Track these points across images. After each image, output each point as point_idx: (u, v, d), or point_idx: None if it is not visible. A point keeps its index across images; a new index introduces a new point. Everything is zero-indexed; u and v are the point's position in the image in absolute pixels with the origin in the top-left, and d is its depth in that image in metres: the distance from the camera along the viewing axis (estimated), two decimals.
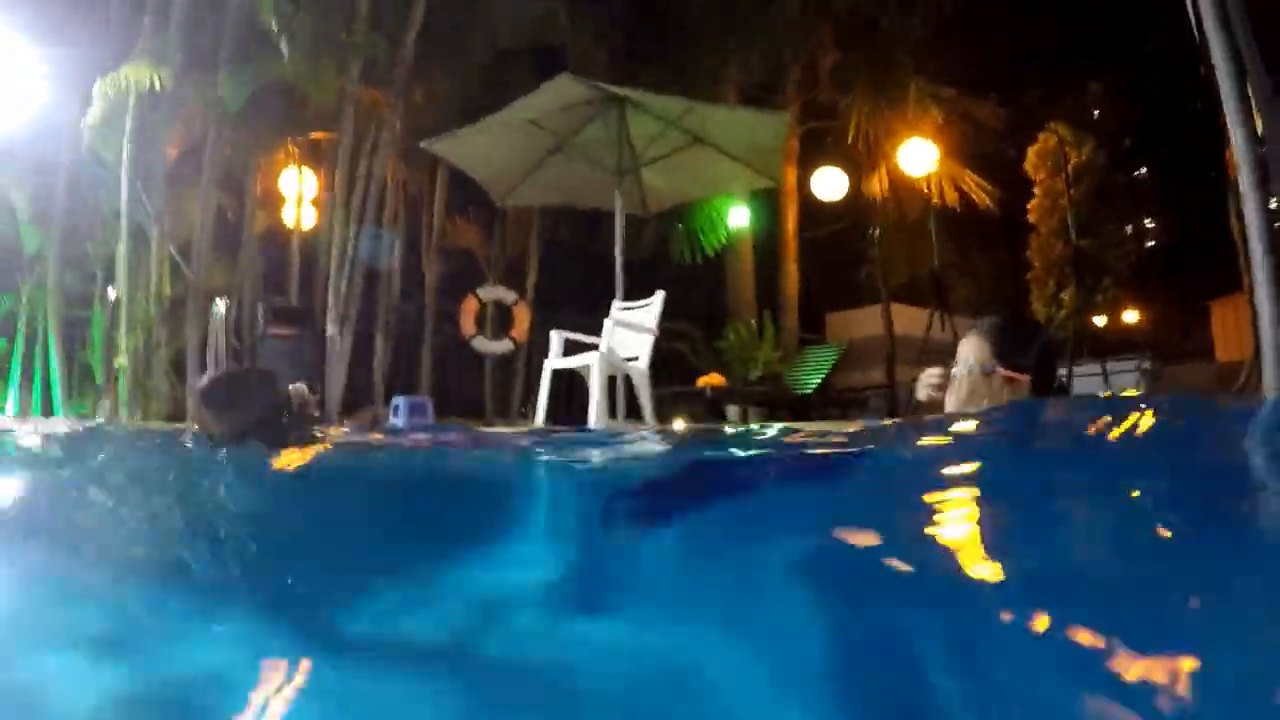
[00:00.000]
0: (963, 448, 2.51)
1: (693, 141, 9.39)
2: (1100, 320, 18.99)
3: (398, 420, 10.32)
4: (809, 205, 14.48)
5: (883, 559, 1.46)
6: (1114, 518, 1.53)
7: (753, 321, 12.83)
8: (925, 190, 13.24)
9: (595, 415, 7.39)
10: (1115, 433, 2.26)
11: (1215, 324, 17.31)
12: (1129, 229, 21.30)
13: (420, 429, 8.18)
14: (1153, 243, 26.56)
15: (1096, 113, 20.36)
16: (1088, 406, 3.24)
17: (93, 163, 11.29)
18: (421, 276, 13.61)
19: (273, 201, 12.81)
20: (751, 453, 3.40)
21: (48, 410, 11.49)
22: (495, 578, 1.66)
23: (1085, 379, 10.02)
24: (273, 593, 1.63)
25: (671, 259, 14.02)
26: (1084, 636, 1.08)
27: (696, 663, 1.28)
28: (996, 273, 18.33)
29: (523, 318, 13.35)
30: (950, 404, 2.99)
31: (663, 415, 9.34)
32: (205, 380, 3.66)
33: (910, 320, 12.06)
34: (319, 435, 3.50)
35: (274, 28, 10.74)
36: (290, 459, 3.26)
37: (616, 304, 8.23)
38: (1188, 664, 1.01)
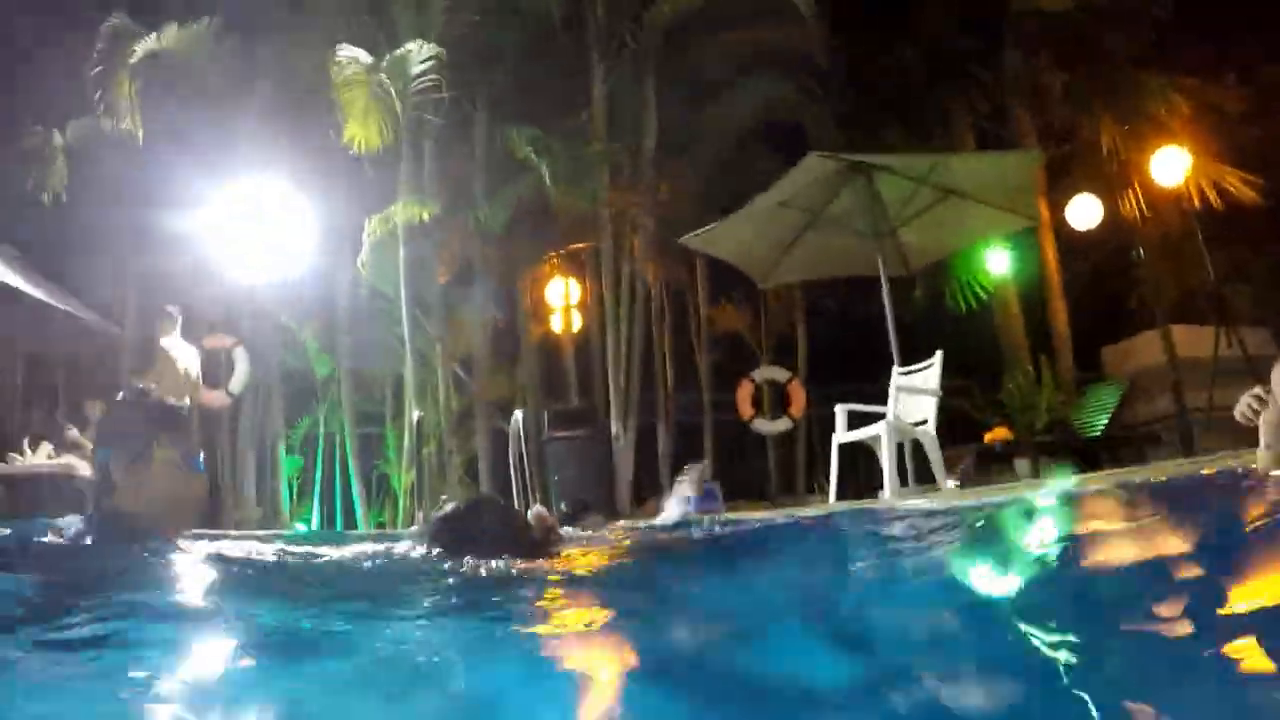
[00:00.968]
0: None
1: (944, 195, 9.31)
2: None
3: (691, 508, 10.57)
4: (1065, 238, 13.97)
5: None
6: None
7: (1029, 367, 12.45)
8: (1185, 198, 12.54)
9: (890, 485, 7.39)
10: None
11: None
12: None
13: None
14: None
15: None
16: None
17: (370, 294, 12.30)
18: (695, 365, 13.99)
19: (541, 311, 13.51)
20: None
21: (349, 522, 12.42)
22: None
23: None
24: None
25: (939, 315, 13.81)
26: None
27: None
28: (1277, 271, 17.03)
29: (798, 394, 13.50)
30: (1264, 434, 2.80)
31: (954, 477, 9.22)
32: (435, 520, 3.45)
33: (1192, 341, 11.45)
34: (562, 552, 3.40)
35: (530, 156, 11.41)
36: None
37: (896, 370, 8.20)
38: None
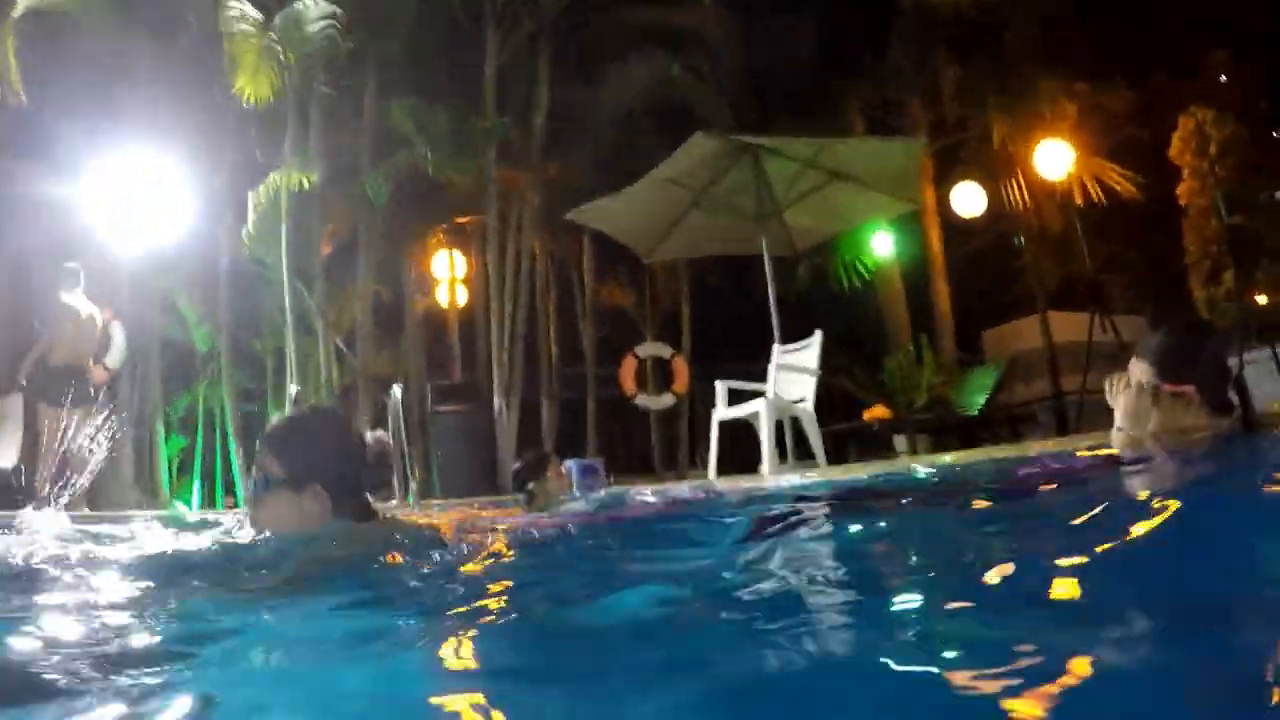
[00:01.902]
0: None
1: (830, 178, 9.40)
2: (1263, 299, 18.08)
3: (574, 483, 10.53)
4: (951, 223, 14.28)
5: None
6: None
7: (910, 348, 12.70)
8: (1066, 191, 12.90)
9: (768, 461, 7.43)
10: None
11: None
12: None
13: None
14: None
15: (1223, 77, 19.49)
16: None
17: (253, 265, 11.95)
18: (579, 341, 13.91)
19: (427, 285, 13.30)
20: None
21: (231, 502, 12.09)
22: None
23: (1255, 366, 9.53)
24: None
25: (823, 294, 13.98)
26: None
27: None
28: (1151, 264, 17.66)
29: (682, 371, 13.53)
30: (1118, 416, 2.95)
31: (832, 454, 9.32)
32: (272, 422, 3.40)
33: (1070, 327, 11.74)
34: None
35: (411, 128, 11.19)
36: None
37: (776, 348, 8.25)
38: None
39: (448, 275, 13.09)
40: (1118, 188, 13.93)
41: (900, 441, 10.13)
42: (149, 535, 3.72)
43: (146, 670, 1.42)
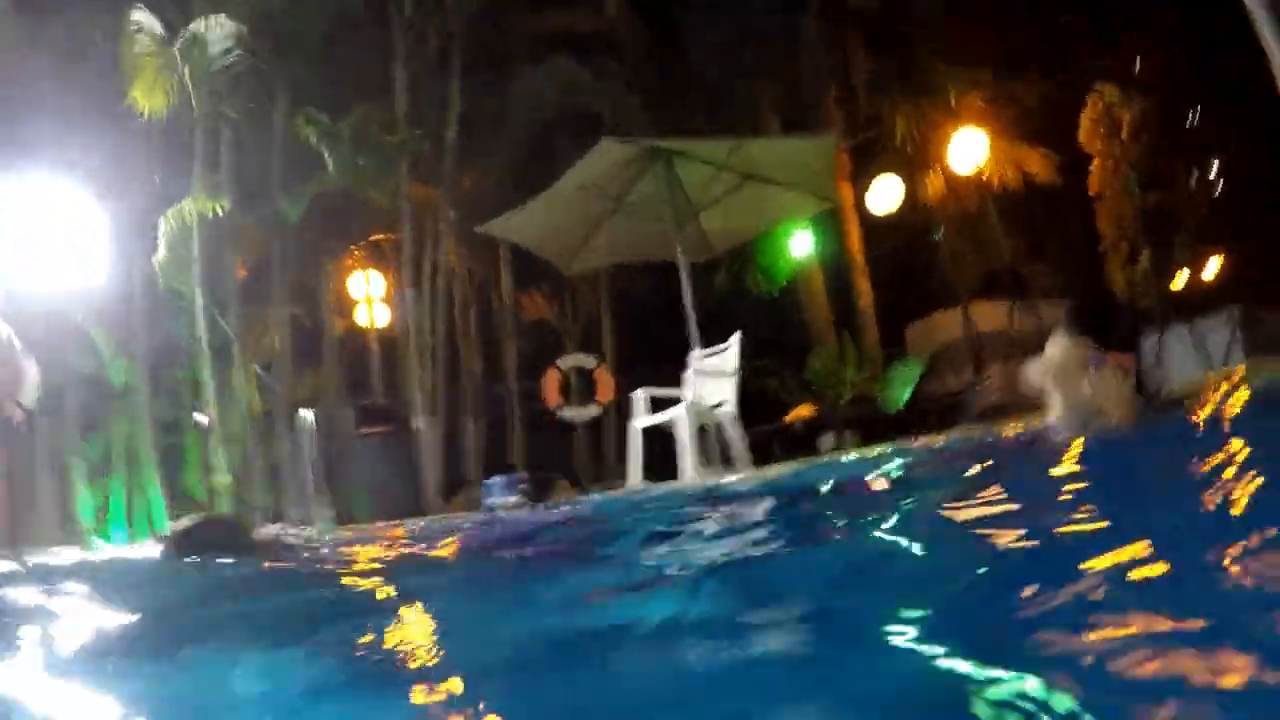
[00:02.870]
0: None
1: (744, 179, 9.38)
2: (1182, 279, 18.40)
3: (492, 500, 10.40)
4: (871, 219, 14.35)
5: None
6: None
7: (834, 345, 12.73)
8: (982, 180, 13.02)
9: (687, 468, 7.38)
10: None
11: None
12: (1195, 176, 20.64)
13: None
14: (1225, 184, 25.67)
15: (1138, 61, 19.82)
16: None
17: (169, 294, 11.65)
18: (502, 357, 13.74)
19: (344, 306, 13.08)
20: None
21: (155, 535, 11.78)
22: None
23: (1173, 345, 9.67)
24: None
25: (745, 296, 13.99)
26: None
27: None
28: (1070, 250, 17.90)
29: (606, 381, 13.44)
30: (1052, 394, 2.89)
31: (759, 456, 9.28)
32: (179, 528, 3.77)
33: (991, 317, 11.86)
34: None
35: (314, 142, 11.00)
36: None
37: (695, 353, 8.20)
38: None
39: (365, 295, 12.86)
40: (1037, 171, 14.10)
41: (826, 440, 10.14)
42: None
43: None
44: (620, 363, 13.94)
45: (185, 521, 3.75)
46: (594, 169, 8.80)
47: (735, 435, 7.69)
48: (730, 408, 7.71)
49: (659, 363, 9.54)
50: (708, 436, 7.98)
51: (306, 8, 11.68)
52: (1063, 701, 1.00)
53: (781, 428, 9.83)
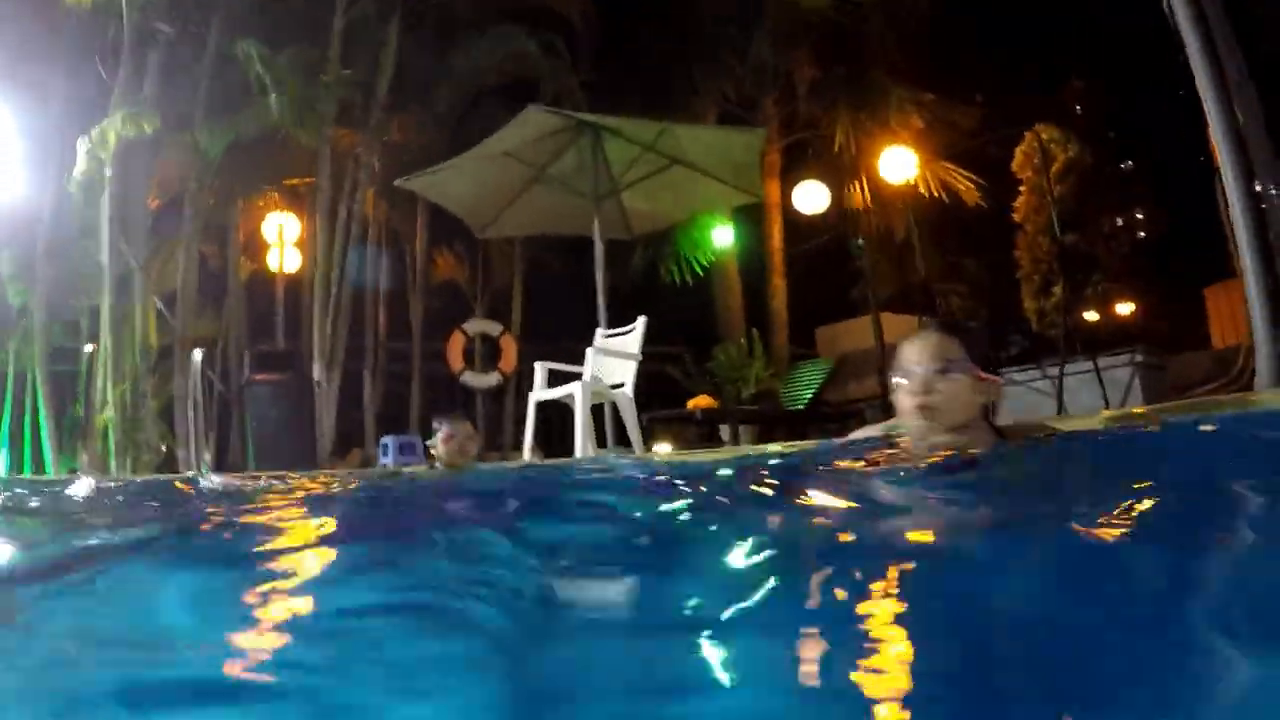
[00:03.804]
0: None
1: (670, 163, 9.39)
2: (1092, 316, 18.83)
3: (387, 460, 10.29)
4: (795, 220, 14.46)
5: None
6: None
7: (743, 340, 12.80)
8: (908, 197, 13.19)
9: (581, 445, 7.35)
10: None
11: (1210, 310, 17.15)
12: (1119, 222, 21.15)
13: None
14: (1144, 234, 26.37)
15: (1079, 108, 20.31)
16: None
17: (77, 218, 11.27)
18: (408, 314, 13.57)
19: (256, 248, 12.81)
20: None
21: (39, 466, 11.43)
22: None
23: (1077, 376, 9.89)
24: None
25: (660, 281, 14.00)
26: None
27: None
28: (987, 275, 18.24)
29: (510, 350, 13.33)
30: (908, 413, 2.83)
31: (655, 441, 9.31)
32: None
33: (901, 330, 11.97)
34: None
35: (259, 74, 10.73)
36: None
37: (600, 331, 8.19)
38: None
39: (278, 238, 12.59)
40: (960, 191, 14.32)
41: (724, 432, 10.17)
42: None
43: None
44: (528, 333, 13.86)
45: None
46: (519, 136, 8.74)
47: (630, 418, 7.68)
48: (628, 390, 7.70)
49: (567, 338, 9.51)
50: (604, 416, 7.97)
51: None
52: None
53: (680, 415, 9.84)
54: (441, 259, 14.07)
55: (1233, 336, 13.71)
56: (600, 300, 8.56)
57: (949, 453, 2.72)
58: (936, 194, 14.01)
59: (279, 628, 1.58)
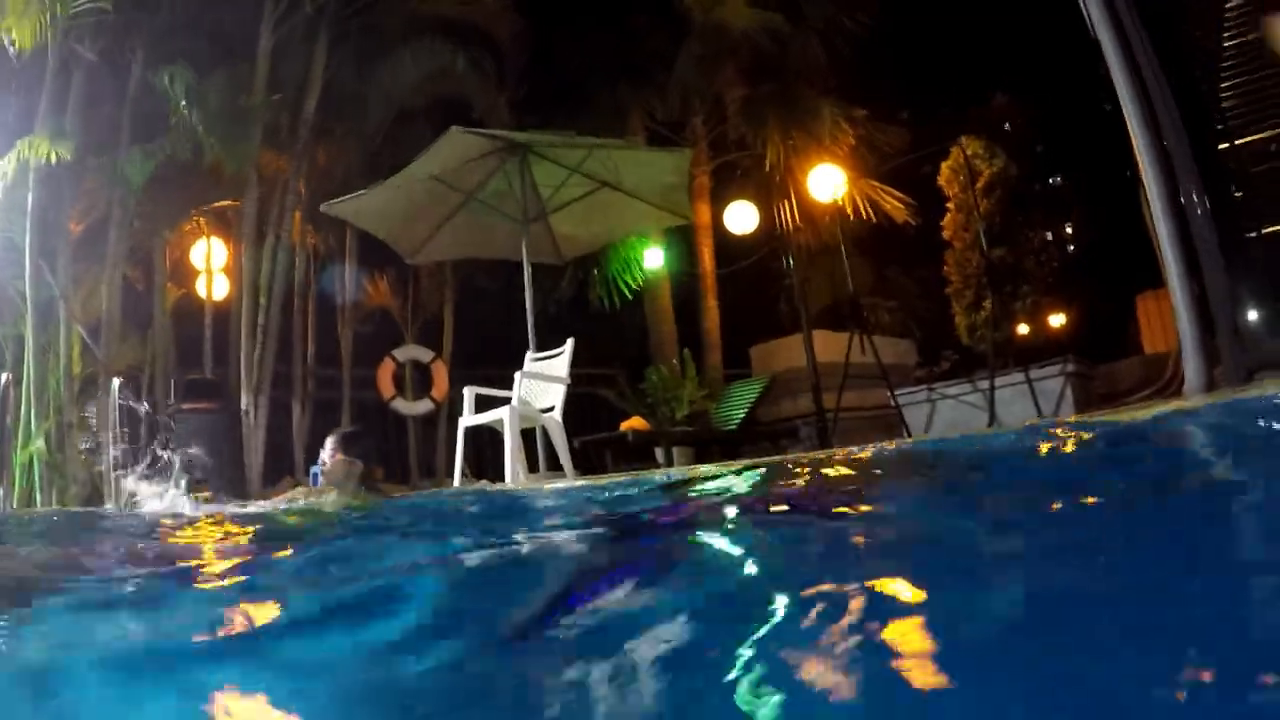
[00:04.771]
0: None
1: (599, 186, 9.44)
2: (1024, 329, 19.12)
3: (314, 483, 10.14)
4: (726, 241, 14.56)
5: None
6: None
7: (675, 361, 12.83)
8: (836, 214, 13.34)
9: (511, 470, 7.35)
10: None
11: (1141, 319, 17.52)
12: (1048, 235, 21.52)
13: None
14: (1073, 246, 26.92)
15: (1007, 124, 20.65)
16: None
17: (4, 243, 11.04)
18: (338, 341, 13.46)
19: (184, 274, 12.63)
20: None
21: None
22: None
23: (1009, 389, 10.04)
24: None
25: (592, 305, 14.02)
26: None
27: None
28: (918, 291, 18.50)
29: (441, 376, 13.27)
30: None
31: (588, 464, 9.31)
32: None
33: (834, 346, 12.04)
34: None
35: (181, 101, 10.59)
36: None
37: (530, 355, 8.21)
38: None
39: (206, 264, 12.43)
40: (890, 209, 14.50)
41: (658, 454, 10.19)
42: None
43: None
44: (459, 360, 13.78)
45: None
46: (442, 158, 8.72)
47: (560, 442, 7.69)
48: (558, 414, 7.71)
49: (500, 363, 9.50)
50: (535, 441, 7.97)
51: None
52: None
53: (612, 438, 9.85)
54: (372, 286, 13.96)
55: (1163, 343, 14.04)
56: (530, 323, 8.58)
57: None
58: (865, 214, 14.18)
59: None
